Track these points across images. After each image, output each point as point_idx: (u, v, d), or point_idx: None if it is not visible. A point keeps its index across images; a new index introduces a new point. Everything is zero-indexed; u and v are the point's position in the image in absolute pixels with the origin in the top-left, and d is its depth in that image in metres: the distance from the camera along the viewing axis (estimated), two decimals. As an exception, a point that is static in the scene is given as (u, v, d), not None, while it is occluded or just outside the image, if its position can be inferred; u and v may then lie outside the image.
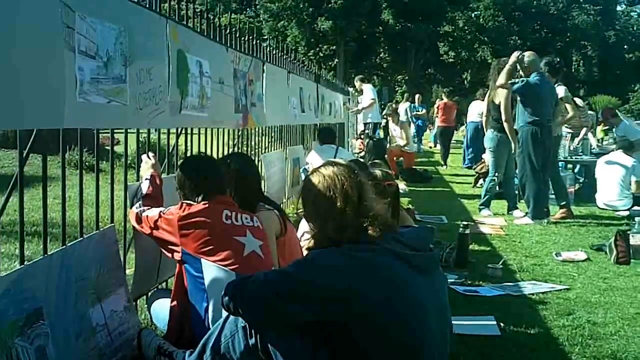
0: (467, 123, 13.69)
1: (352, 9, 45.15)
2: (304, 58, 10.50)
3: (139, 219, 2.94)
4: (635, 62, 60.20)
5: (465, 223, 5.34)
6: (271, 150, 6.70)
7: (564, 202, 7.54)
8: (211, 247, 2.76)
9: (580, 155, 9.90)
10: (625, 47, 60.48)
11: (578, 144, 10.18)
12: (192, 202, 2.87)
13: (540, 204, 7.13)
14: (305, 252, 2.32)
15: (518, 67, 7.18)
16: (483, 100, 13.63)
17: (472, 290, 4.42)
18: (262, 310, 2.15)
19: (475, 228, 6.53)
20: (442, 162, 14.59)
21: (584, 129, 10.65)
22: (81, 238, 2.74)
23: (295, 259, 2.61)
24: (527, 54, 7.31)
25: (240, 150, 5.34)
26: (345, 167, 2.21)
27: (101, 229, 2.97)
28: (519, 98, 7.18)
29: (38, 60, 1.91)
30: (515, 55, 7.15)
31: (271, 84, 5.32)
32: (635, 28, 63.17)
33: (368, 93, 12.48)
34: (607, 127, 13.70)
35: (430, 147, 19.88)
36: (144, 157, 3.26)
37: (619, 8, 64.37)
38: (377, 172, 3.24)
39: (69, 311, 2.48)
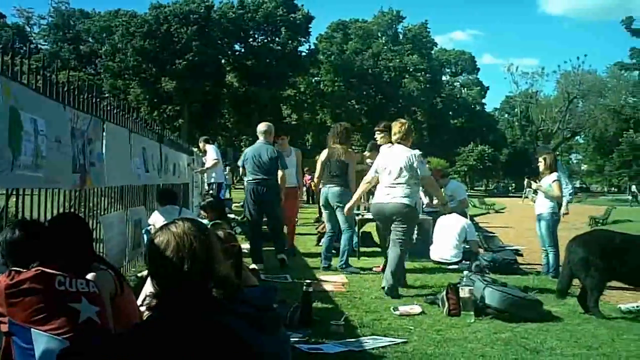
0: None
1: (197, 71, 45.38)
2: (147, 117, 10.32)
3: (-42, 290, 2.70)
4: (460, 128, 65.80)
5: (308, 281, 5.43)
6: (111, 212, 6.46)
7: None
8: (43, 315, 2.60)
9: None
10: (451, 113, 66.04)
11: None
12: (21, 270, 2.70)
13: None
14: (146, 314, 2.24)
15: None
16: None
17: (315, 347, 4.48)
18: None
19: (318, 286, 6.66)
20: None
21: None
22: None
23: (135, 322, 2.52)
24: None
25: (77, 212, 5.10)
26: (196, 225, 2.17)
27: None
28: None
29: None
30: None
31: (112, 143, 5.18)
32: (458, 96, 69.34)
33: (211, 153, 12.51)
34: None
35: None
36: (-32, 220, 3.03)
37: (444, 78, 70.44)
38: (220, 232, 3.24)
39: None
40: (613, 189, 77.50)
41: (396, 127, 7.04)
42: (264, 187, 8.18)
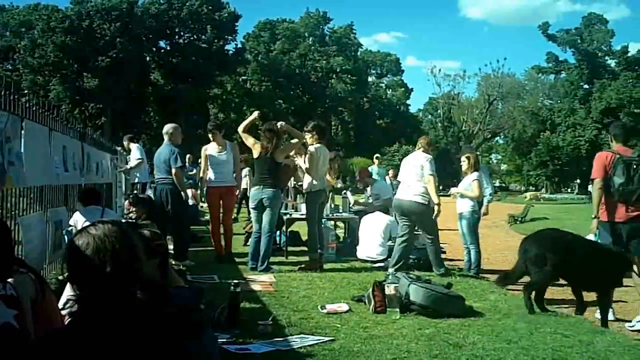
0: None
1: (120, 68, 44.25)
2: (68, 115, 9.99)
3: None
4: (385, 128, 66.85)
5: (236, 281, 5.41)
6: (30, 213, 6.22)
7: (313, 254, 8.32)
8: (-44, 321, 2.49)
9: (341, 213, 10.63)
10: (377, 113, 67.08)
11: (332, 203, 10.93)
12: None
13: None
14: (68, 319, 2.18)
15: None
16: None
17: (243, 348, 4.47)
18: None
19: (246, 286, 6.65)
20: None
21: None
22: None
23: (55, 328, 2.45)
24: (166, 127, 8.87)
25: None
26: (117, 227, 2.10)
27: None
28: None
29: None
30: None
31: (31, 142, 5.00)
32: (384, 97, 70.45)
33: (135, 153, 12.17)
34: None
35: (202, 207, 19.83)
36: None
37: (370, 79, 71.39)
38: (146, 232, 3.20)
39: None
40: (531, 187, 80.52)
41: (424, 140, 8.51)
42: (161, 186, 8.61)
